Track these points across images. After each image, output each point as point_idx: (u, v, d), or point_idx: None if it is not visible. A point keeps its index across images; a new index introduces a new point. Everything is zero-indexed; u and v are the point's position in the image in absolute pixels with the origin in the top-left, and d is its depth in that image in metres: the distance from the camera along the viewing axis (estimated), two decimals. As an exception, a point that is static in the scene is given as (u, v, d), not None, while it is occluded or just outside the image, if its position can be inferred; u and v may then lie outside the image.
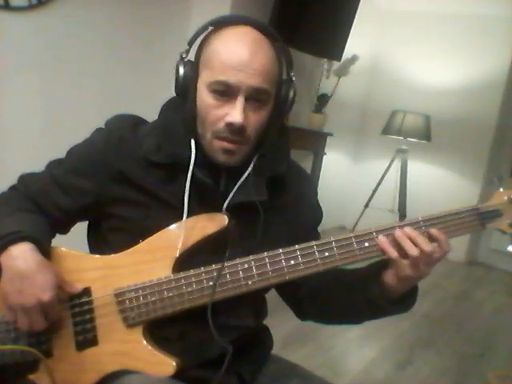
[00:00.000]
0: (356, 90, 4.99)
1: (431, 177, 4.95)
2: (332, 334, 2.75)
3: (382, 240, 0.90)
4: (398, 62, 5.13)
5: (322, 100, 4.15)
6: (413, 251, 0.87)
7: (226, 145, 0.91)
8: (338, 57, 3.88)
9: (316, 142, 4.16)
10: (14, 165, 1.85)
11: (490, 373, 2.54)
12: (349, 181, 5.31)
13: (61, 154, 1.04)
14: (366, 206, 4.67)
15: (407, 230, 0.89)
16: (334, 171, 4.88)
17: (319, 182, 4.10)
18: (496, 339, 3.13)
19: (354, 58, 4.07)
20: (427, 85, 4.92)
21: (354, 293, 0.96)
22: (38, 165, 1.05)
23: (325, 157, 4.21)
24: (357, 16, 3.77)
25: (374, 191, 4.66)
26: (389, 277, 0.91)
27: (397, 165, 4.64)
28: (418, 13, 4.93)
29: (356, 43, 4.03)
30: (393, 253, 0.88)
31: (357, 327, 2.90)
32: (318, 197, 1.12)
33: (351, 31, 3.79)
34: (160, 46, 2.91)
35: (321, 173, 4.19)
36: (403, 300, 0.94)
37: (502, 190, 0.95)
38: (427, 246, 0.87)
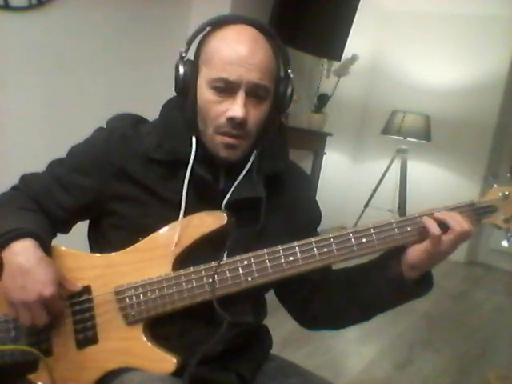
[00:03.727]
0: (356, 90, 4.99)
1: (431, 177, 4.95)
2: (332, 334, 2.75)
3: (426, 218, 0.91)
4: (397, 61, 5.13)
5: (322, 100, 4.15)
6: (458, 227, 0.89)
7: (227, 139, 0.92)
8: (338, 57, 3.88)
9: (316, 142, 4.16)
10: (15, 164, 1.86)
11: (490, 373, 2.53)
12: (349, 181, 5.31)
13: (61, 153, 1.04)
14: (366, 205, 4.68)
15: (447, 211, 0.92)
16: (333, 171, 4.88)
17: (319, 182, 4.10)
18: (496, 339, 3.12)
19: (354, 58, 4.07)
20: (427, 85, 4.92)
21: (369, 280, 0.97)
22: (39, 164, 1.06)
23: (325, 157, 4.21)
24: (357, 16, 3.78)
25: (374, 191, 4.66)
26: (417, 252, 0.92)
27: (397, 165, 4.64)
28: (418, 13, 4.93)
29: (356, 43, 4.03)
30: (436, 229, 0.90)
31: (356, 327, 2.90)
32: (318, 196, 1.13)
33: (351, 31, 3.79)
34: (160, 45, 2.91)
35: (321, 173, 4.19)
36: (420, 283, 0.96)
37: (496, 186, 0.98)
38: (466, 224, 0.90)
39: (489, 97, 4.63)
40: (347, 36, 3.79)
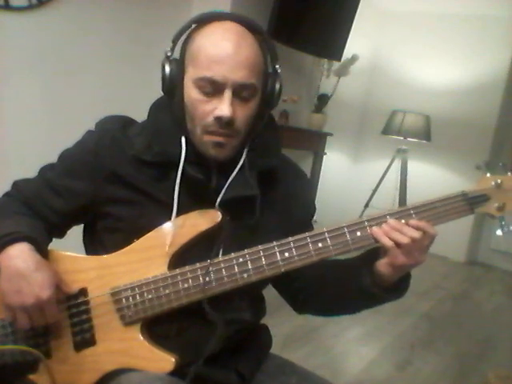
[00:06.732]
0: (356, 90, 4.99)
1: (431, 177, 4.95)
2: (332, 334, 2.75)
3: (376, 230, 0.91)
4: (398, 61, 5.13)
5: (322, 100, 4.15)
6: (403, 239, 0.88)
7: (215, 138, 0.91)
8: (338, 57, 3.88)
9: (316, 142, 4.16)
10: (14, 165, 1.86)
11: (490, 373, 2.53)
12: (349, 181, 5.30)
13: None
14: (366, 205, 4.67)
15: (391, 222, 0.91)
16: (333, 171, 4.88)
17: (319, 182, 4.10)
18: (496, 339, 3.12)
19: (354, 58, 4.07)
20: (427, 85, 4.92)
21: (348, 283, 0.98)
22: (39, 165, 1.05)
23: (325, 157, 4.21)
24: (357, 16, 3.78)
25: (374, 191, 4.66)
26: (383, 266, 0.92)
27: (397, 165, 4.64)
28: (418, 13, 4.93)
29: (356, 43, 4.03)
30: (388, 242, 0.90)
31: (356, 327, 2.90)
32: (318, 197, 1.13)
33: (351, 31, 3.79)
34: (160, 46, 2.90)
35: (321, 173, 4.19)
36: (396, 287, 0.95)
37: (488, 175, 0.97)
38: (415, 233, 0.89)
39: (489, 97, 4.62)
40: (347, 36, 3.79)
